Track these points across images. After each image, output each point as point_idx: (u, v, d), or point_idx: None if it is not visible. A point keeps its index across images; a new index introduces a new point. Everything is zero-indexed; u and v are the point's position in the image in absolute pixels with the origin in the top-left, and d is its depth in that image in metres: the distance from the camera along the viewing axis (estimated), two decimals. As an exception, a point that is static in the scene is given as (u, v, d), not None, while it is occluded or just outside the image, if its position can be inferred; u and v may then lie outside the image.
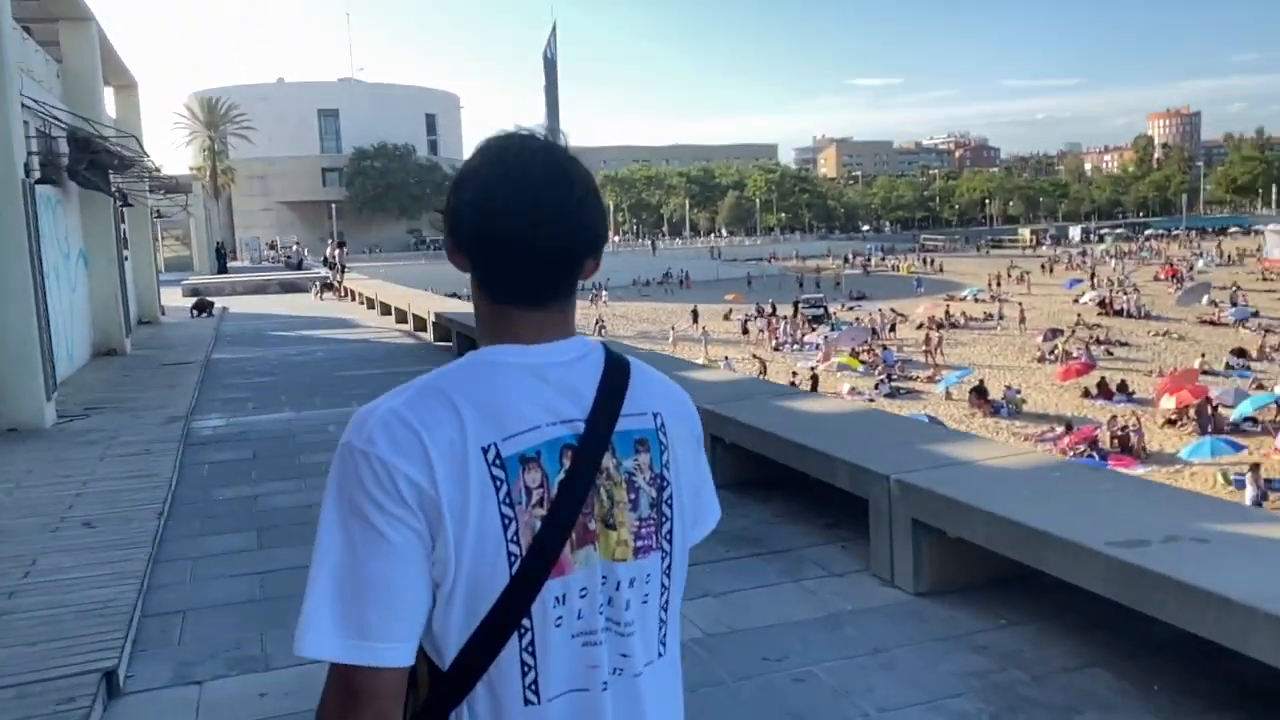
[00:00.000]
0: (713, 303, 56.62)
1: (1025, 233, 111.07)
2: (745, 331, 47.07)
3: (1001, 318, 48.84)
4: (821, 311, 51.15)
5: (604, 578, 1.21)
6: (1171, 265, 67.47)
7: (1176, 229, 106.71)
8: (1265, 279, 61.16)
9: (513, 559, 1.14)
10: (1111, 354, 38.41)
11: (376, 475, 1.10)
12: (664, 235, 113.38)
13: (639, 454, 1.25)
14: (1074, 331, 41.17)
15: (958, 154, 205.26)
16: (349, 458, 1.13)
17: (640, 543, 1.24)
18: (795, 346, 42.82)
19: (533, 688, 1.17)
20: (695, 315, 51.95)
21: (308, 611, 1.10)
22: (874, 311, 49.10)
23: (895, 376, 34.86)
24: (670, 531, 1.27)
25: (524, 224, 1.19)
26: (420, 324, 15.05)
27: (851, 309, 55.04)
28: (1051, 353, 38.73)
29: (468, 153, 1.35)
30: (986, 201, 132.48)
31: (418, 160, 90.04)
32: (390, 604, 1.10)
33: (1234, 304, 47.89)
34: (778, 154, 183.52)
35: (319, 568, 1.11)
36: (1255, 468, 19.72)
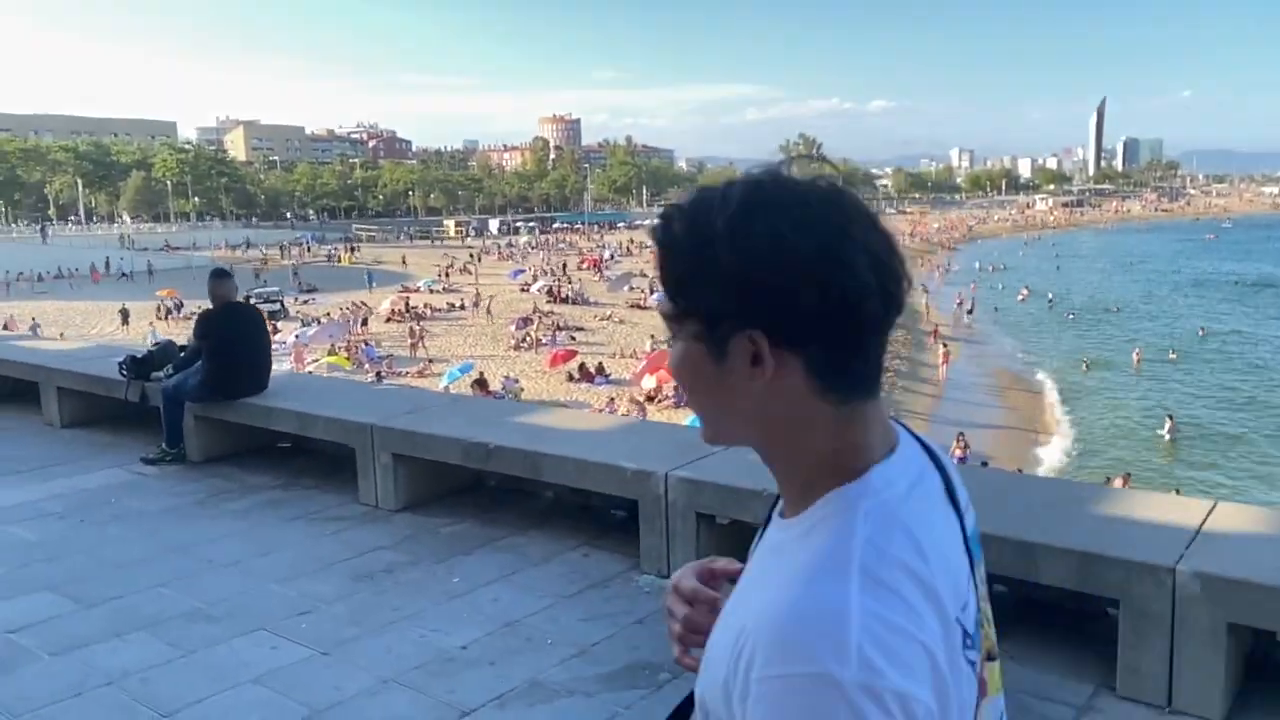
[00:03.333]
0: (141, 299, 49.16)
1: (450, 224, 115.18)
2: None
3: (463, 307, 49.76)
4: (278, 306, 47.29)
5: None
6: (591, 255, 74.80)
7: (579, 223, 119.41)
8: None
9: None
10: (574, 339, 41.13)
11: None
12: (52, 221, 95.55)
13: (984, 556, 1.03)
14: (541, 319, 43.32)
15: (371, 144, 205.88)
16: (837, 702, 0.78)
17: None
18: (260, 346, 38.74)
19: None
20: (125, 315, 44.64)
21: None
22: (345, 305, 46.72)
23: (385, 373, 33.51)
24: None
25: (875, 274, 0.89)
26: None
27: (307, 303, 51.91)
28: (524, 340, 40.35)
29: None
30: (410, 192, 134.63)
31: None
32: None
33: (653, 290, 54.52)
34: (177, 131, 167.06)
35: None
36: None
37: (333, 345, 37.19)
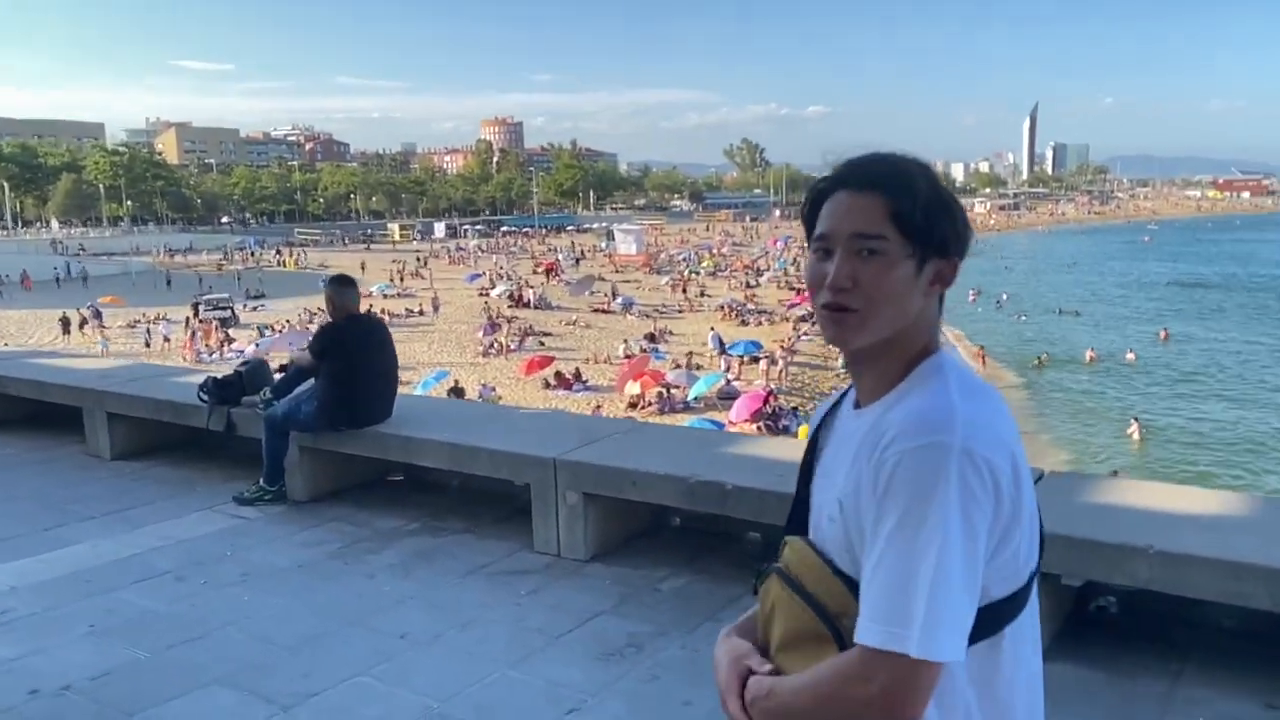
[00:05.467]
0: (79, 307, 46.79)
1: (395, 228, 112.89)
2: (147, 344, 39.39)
3: (422, 313, 48.51)
4: (229, 314, 45.49)
5: None
6: (546, 259, 73.74)
7: (528, 227, 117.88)
8: (618, 271, 70.09)
9: (1037, 541, 1.28)
10: (543, 344, 40.15)
11: (981, 475, 1.16)
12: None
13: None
14: (508, 325, 42.32)
15: (308, 147, 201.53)
16: (949, 458, 1.15)
17: None
18: (213, 356, 37.09)
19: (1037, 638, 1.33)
20: (66, 324, 42.36)
21: (939, 616, 1.12)
22: (301, 311, 45.07)
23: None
24: None
25: None
26: None
27: (257, 309, 50.09)
28: (493, 346, 39.28)
29: None
30: (351, 196, 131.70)
31: None
32: (975, 602, 1.17)
33: (615, 294, 53.74)
34: (105, 134, 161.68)
35: (939, 569, 1.12)
36: None
37: (291, 353, 35.71)
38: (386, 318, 46.13)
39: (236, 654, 3.57)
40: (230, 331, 41.53)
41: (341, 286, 5.45)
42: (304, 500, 5.36)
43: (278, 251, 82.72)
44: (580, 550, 4.40)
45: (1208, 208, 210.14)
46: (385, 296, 54.50)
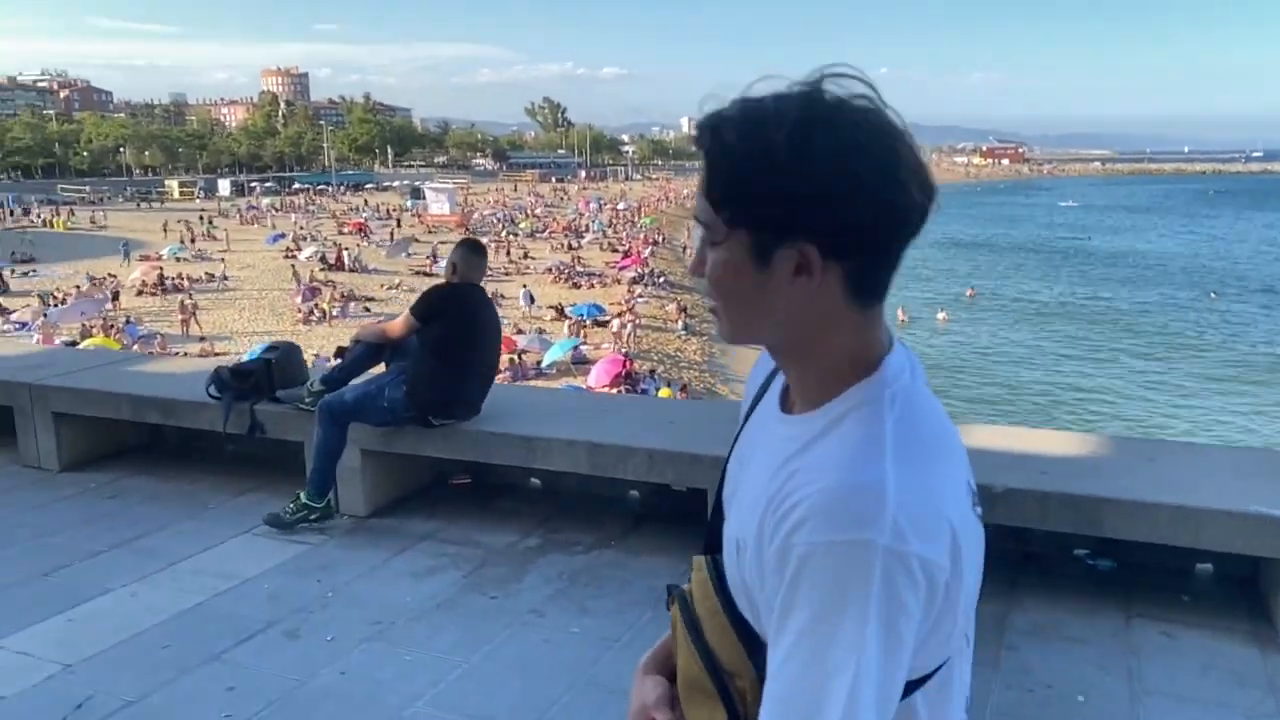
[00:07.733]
0: None
1: (173, 185, 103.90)
2: (-101, 314, 34.07)
3: (226, 277, 44.87)
4: (-10, 281, 40.25)
5: None
6: (355, 220, 70.02)
7: (323, 184, 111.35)
8: (431, 231, 67.58)
9: (974, 605, 1.03)
10: (369, 310, 38.09)
11: (914, 579, 0.91)
12: None
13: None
14: (331, 290, 39.82)
15: (64, 94, 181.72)
16: (873, 564, 0.89)
17: None
18: (-15, 328, 32.70)
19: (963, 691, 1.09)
20: None
21: None
22: (86, 277, 40.55)
23: (158, 355, 29.31)
24: None
25: (921, 191, 0.93)
26: None
27: (28, 274, 44.60)
28: (313, 312, 36.83)
29: None
30: (121, 149, 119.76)
31: None
32: (892, 710, 0.96)
33: (435, 257, 51.63)
34: None
35: (853, 692, 0.90)
36: None
37: (84, 324, 32.05)
38: (186, 283, 42.26)
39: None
40: (1, 301, 36.68)
41: (472, 254, 4.42)
42: (363, 516, 4.36)
43: (25, 211, 74.26)
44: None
45: (975, 173, 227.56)
46: (178, 260, 49.93)
